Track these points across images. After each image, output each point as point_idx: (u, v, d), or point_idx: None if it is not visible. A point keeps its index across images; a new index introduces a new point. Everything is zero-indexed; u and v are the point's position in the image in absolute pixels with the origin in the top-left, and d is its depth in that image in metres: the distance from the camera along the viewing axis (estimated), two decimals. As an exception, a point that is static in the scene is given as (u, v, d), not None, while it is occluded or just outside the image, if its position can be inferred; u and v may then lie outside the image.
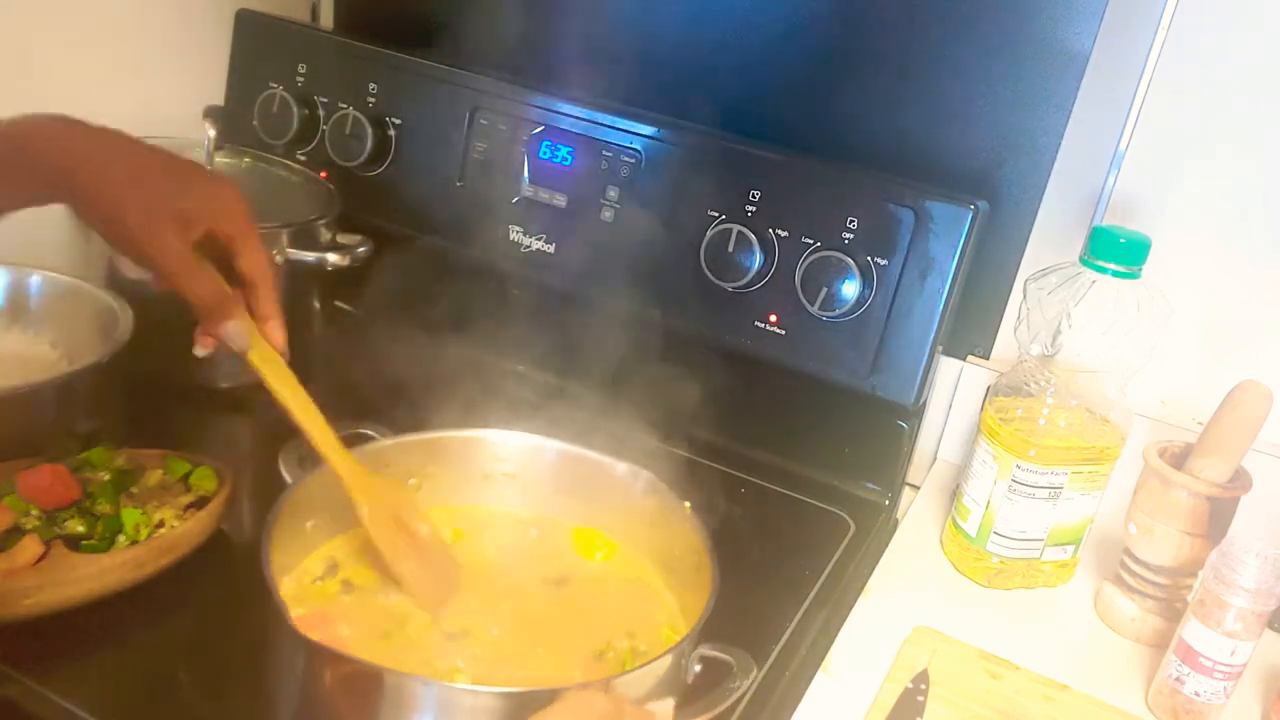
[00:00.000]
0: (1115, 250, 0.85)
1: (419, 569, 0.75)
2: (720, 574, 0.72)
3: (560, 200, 1.08)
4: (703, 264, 1.01)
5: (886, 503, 1.04)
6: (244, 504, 0.87)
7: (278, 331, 0.74)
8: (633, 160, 1.04)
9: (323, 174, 1.17)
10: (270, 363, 0.74)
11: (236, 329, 0.71)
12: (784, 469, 1.06)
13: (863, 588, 0.90)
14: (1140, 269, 0.85)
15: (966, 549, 0.94)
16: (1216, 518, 0.85)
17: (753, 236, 0.99)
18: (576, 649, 0.74)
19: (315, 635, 0.64)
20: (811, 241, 0.98)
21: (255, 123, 1.20)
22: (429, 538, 0.77)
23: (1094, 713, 0.80)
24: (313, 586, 0.76)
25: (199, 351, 0.73)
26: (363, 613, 0.74)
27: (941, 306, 0.95)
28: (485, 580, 0.80)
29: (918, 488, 1.08)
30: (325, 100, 1.17)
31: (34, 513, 0.75)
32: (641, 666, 0.65)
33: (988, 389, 0.97)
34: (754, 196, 1.00)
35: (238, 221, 0.70)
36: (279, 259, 1.02)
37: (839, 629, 0.85)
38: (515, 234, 1.10)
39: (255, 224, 0.72)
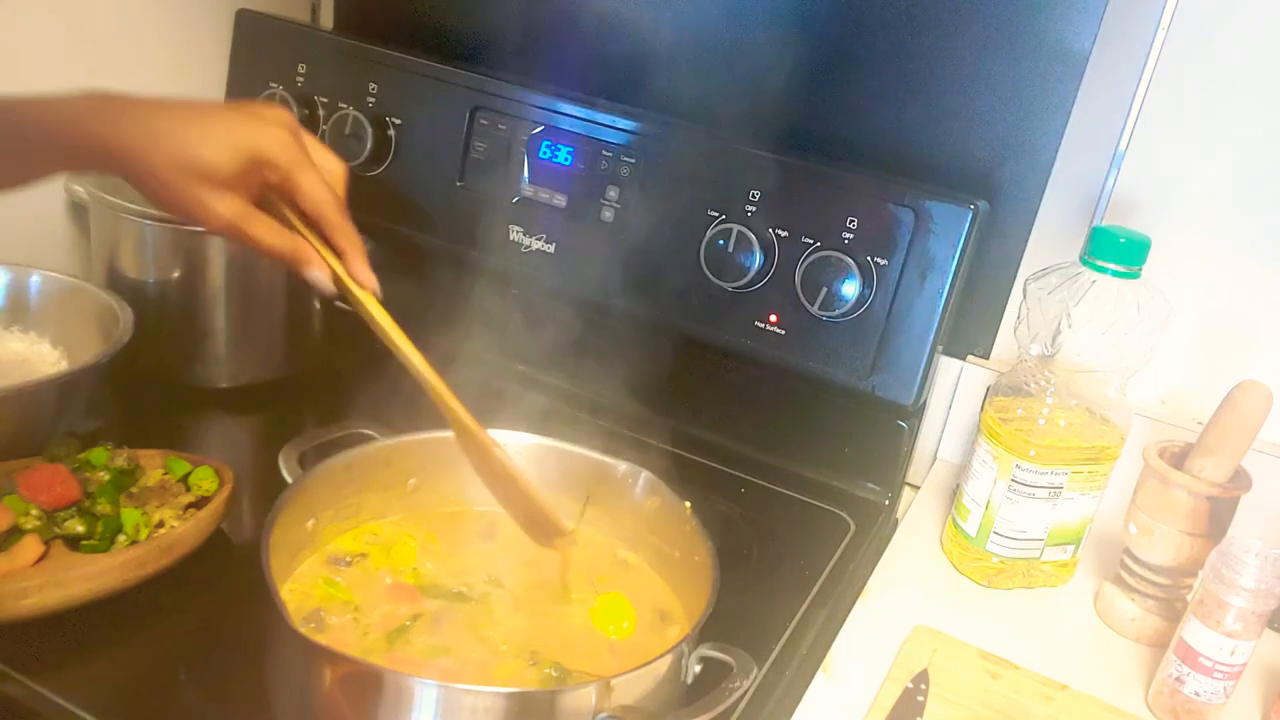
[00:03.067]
0: (1115, 250, 0.85)
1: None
2: (720, 574, 0.72)
3: (560, 200, 1.08)
4: (703, 264, 1.01)
5: (886, 503, 1.04)
6: (244, 504, 0.87)
7: (359, 268, 0.67)
8: (633, 160, 1.04)
9: (323, 174, 1.16)
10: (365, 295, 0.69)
11: (318, 277, 0.66)
12: (784, 469, 1.06)
13: (863, 588, 0.90)
14: (1140, 269, 0.85)
15: (966, 549, 0.94)
16: (1216, 518, 0.85)
17: (753, 236, 0.99)
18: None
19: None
20: (811, 241, 0.98)
21: (255, 123, 1.20)
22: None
23: (1094, 713, 0.80)
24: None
25: (325, 290, 0.67)
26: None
27: (941, 306, 0.95)
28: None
29: (918, 488, 1.08)
30: (325, 100, 1.17)
31: (34, 513, 0.75)
32: (641, 666, 0.65)
33: (988, 389, 0.97)
34: (754, 196, 1.00)
35: (283, 157, 0.62)
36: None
37: (839, 629, 0.84)
38: (515, 234, 1.10)
39: (306, 153, 0.64)
